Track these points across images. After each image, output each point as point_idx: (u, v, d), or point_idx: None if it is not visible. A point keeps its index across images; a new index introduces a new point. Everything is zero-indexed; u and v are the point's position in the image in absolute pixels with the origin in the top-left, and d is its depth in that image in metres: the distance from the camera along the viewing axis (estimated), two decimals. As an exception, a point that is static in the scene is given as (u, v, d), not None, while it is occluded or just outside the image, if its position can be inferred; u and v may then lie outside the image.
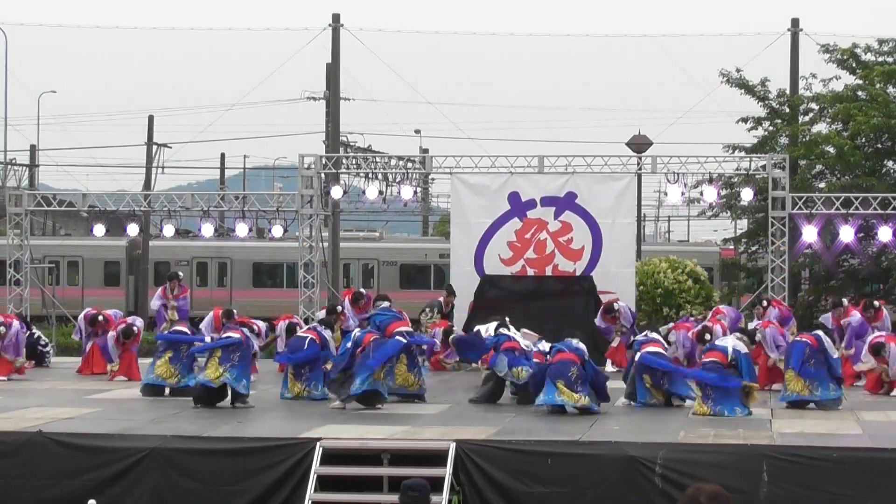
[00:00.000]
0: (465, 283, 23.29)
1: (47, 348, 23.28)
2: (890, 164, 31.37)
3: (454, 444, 13.20)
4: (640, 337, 17.71)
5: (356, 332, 17.21)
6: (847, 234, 24.19)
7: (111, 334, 20.50)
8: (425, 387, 17.33)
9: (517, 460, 13.15)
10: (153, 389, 17.78)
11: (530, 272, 23.67)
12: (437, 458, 13.08)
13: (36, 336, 23.44)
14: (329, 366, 17.06)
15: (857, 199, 24.23)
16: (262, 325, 20.63)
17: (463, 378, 20.50)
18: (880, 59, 31.33)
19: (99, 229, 27.18)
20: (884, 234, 23.93)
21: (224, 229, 41.19)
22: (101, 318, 21.52)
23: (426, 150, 46.01)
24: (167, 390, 17.70)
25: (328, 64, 37.01)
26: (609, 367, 20.62)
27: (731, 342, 16.27)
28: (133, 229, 27.20)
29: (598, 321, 21.88)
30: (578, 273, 23.49)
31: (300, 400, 17.23)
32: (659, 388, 16.58)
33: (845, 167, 29.90)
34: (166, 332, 20.07)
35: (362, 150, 41.61)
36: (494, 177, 24.18)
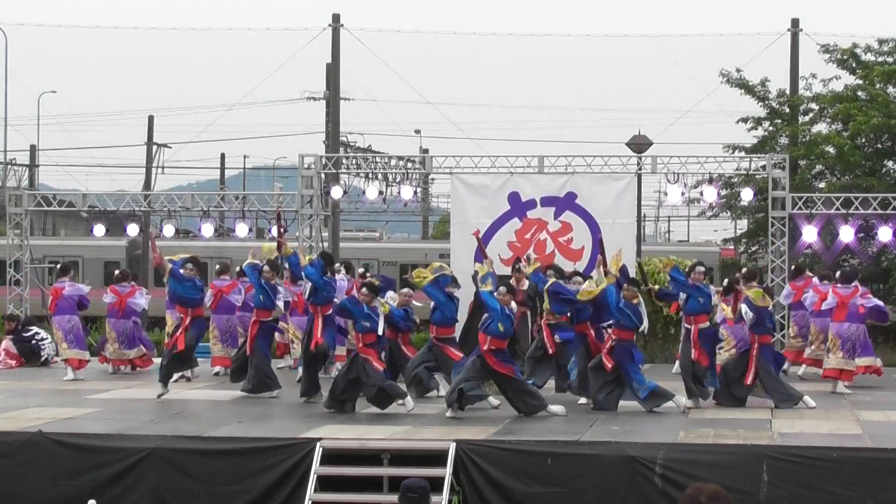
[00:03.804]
0: (465, 284, 23.26)
1: (44, 343, 23.31)
2: (890, 164, 31.36)
3: (454, 444, 13.21)
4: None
5: None
6: (847, 234, 24.18)
7: None
8: None
9: (517, 460, 13.14)
10: None
11: (530, 272, 23.67)
12: (437, 458, 13.08)
13: (32, 332, 23.53)
14: None
15: (857, 199, 24.22)
16: None
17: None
18: (880, 59, 31.33)
19: (99, 229, 27.17)
20: (884, 234, 23.92)
21: (224, 229, 41.18)
22: None
23: (426, 150, 46.04)
24: None
25: (328, 64, 37.02)
26: None
27: None
28: (133, 229, 27.16)
29: None
30: (578, 273, 23.48)
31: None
32: None
33: (845, 167, 29.90)
34: None
35: (362, 150, 41.64)
36: (494, 177, 24.17)
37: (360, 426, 14.72)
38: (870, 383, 19.54)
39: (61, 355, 21.17)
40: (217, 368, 21.04)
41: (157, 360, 21.67)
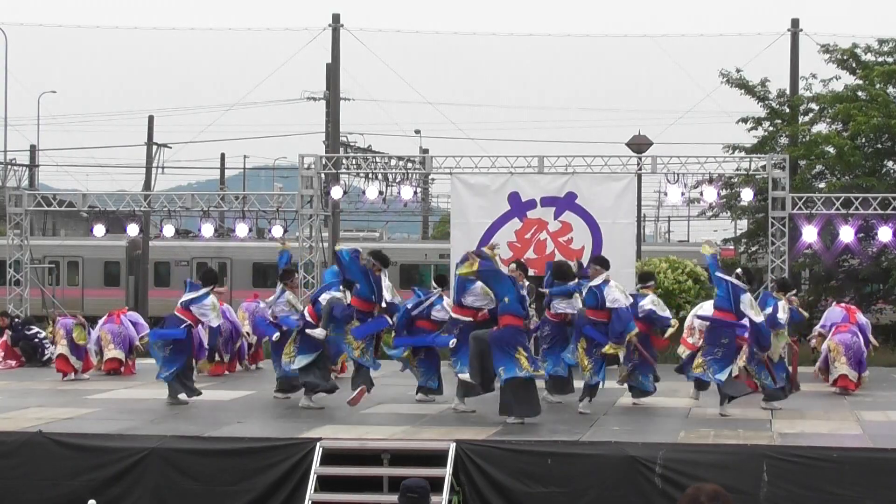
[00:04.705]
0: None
1: (47, 343, 23.33)
2: (890, 164, 31.34)
3: (454, 444, 13.21)
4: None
5: None
6: (847, 234, 24.18)
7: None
8: None
9: (517, 460, 13.15)
10: None
11: (530, 272, 23.64)
12: (437, 458, 13.08)
13: (35, 331, 23.55)
14: None
15: (857, 199, 24.23)
16: None
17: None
18: (880, 59, 31.30)
19: (99, 229, 27.17)
20: (884, 234, 23.93)
21: (224, 229, 41.19)
22: None
23: (426, 150, 46.04)
24: None
25: (328, 64, 37.01)
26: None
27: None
28: (133, 229, 27.17)
29: None
30: (578, 273, 23.47)
31: None
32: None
33: (845, 167, 29.88)
34: None
35: (362, 151, 41.64)
36: (494, 177, 24.18)
37: (360, 426, 14.72)
38: (869, 384, 19.56)
39: (57, 350, 21.12)
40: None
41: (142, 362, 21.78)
